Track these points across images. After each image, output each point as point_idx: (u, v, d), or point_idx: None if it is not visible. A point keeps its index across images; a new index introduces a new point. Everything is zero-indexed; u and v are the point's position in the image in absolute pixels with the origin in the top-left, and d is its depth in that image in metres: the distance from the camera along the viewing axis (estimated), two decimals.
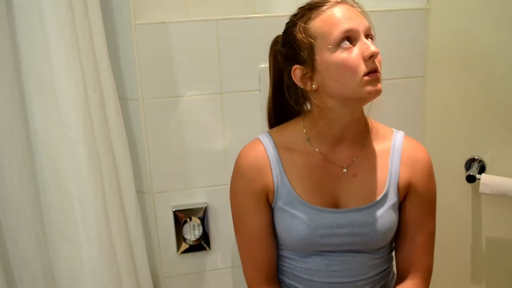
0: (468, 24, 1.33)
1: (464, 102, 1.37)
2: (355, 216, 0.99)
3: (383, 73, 0.96)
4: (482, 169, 1.37)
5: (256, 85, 1.32)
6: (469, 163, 1.39)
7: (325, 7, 0.95)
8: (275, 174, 1.02)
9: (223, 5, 1.34)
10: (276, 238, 1.07)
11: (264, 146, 1.04)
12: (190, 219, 1.36)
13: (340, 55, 0.91)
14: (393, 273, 1.13)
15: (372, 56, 0.91)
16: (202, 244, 1.38)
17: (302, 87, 0.98)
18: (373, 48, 0.91)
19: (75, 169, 1.11)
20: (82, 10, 1.08)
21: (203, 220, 1.37)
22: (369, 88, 0.92)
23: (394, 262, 1.12)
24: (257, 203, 1.03)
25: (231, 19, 1.27)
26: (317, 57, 0.93)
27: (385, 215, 1.00)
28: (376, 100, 0.97)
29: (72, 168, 1.11)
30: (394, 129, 1.09)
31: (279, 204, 1.02)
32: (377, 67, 0.93)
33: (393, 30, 1.34)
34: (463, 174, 1.39)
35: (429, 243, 1.06)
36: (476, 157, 1.38)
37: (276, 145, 1.04)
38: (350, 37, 0.92)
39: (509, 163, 1.35)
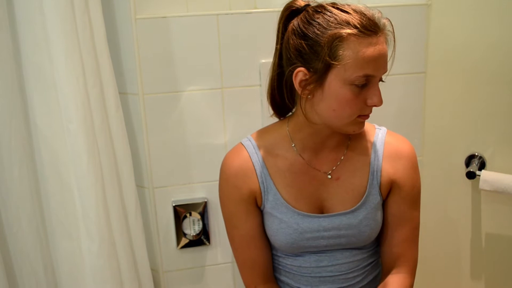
0: (469, 20, 1.33)
1: (465, 98, 1.37)
2: (340, 220, 1.00)
3: None
4: (482, 166, 1.37)
5: (257, 80, 1.31)
6: (469, 160, 1.40)
7: (368, 39, 0.87)
8: (260, 180, 1.02)
9: (224, 0, 1.33)
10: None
11: (247, 152, 1.03)
12: (190, 214, 1.36)
13: (349, 91, 0.89)
14: (380, 263, 1.13)
15: (375, 106, 0.92)
16: (202, 239, 1.39)
17: (297, 90, 0.94)
18: (379, 100, 0.91)
19: (75, 163, 1.11)
20: (83, 4, 1.08)
21: (203, 215, 1.37)
22: (355, 127, 0.95)
23: None
24: (246, 208, 1.03)
25: (232, 14, 1.26)
26: (328, 78, 0.89)
27: (369, 216, 1.01)
28: None
29: (72, 162, 1.11)
30: (376, 126, 1.07)
31: (267, 208, 1.03)
32: (371, 112, 0.95)
33: (394, 26, 1.34)
34: (463, 170, 1.39)
35: (414, 236, 1.06)
36: (476, 154, 1.38)
37: (260, 150, 1.03)
38: (367, 79, 0.89)
39: (509, 159, 1.35)
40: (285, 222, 1.00)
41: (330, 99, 0.90)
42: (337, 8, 0.90)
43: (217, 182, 1.36)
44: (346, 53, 0.86)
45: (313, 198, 1.02)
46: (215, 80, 1.30)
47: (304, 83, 0.92)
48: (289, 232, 1.00)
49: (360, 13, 0.88)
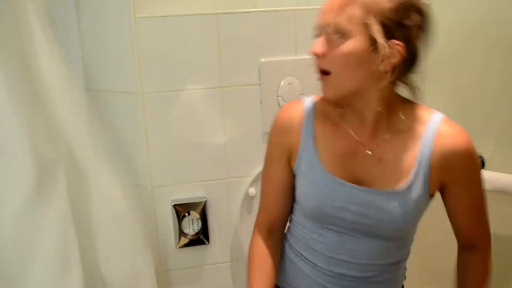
0: (468, 19, 1.33)
1: (464, 98, 1.37)
2: (373, 198, 0.95)
3: None
4: (481, 165, 1.38)
5: (256, 80, 1.32)
6: None
7: None
8: (303, 138, 1.01)
9: None
10: (293, 199, 1.08)
11: (304, 108, 1.03)
12: (189, 213, 1.36)
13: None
14: (405, 268, 1.10)
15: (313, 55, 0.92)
16: (201, 238, 1.39)
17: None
18: (313, 47, 0.91)
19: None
20: None
21: (202, 215, 1.37)
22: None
23: (408, 260, 1.09)
24: (279, 156, 1.05)
25: (232, 13, 1.26)
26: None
27: (405, 207, 0.94)
28: None
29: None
30: (434, 111, 0.99)
31: (301, 168, 1.02)
32: (319, 66, 0.93)
33: None
34: None
35: (484, 213, 1.02)
36: None
37: (316, 111, 1.03)
38: (319, 30, 0.92)
39: (508, 159, 1.35)
40: (316, 185, 0.99)
41: None
42: None
43: (216, 181, 1.37)
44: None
45: (351, 169, 0.98)
46: (214, 79, 1.30)
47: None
48: (319, 196, 0.98)
49: None
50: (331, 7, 0.89)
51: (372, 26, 0.86)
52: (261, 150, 1.35)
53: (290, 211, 1.10)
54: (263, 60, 1.30)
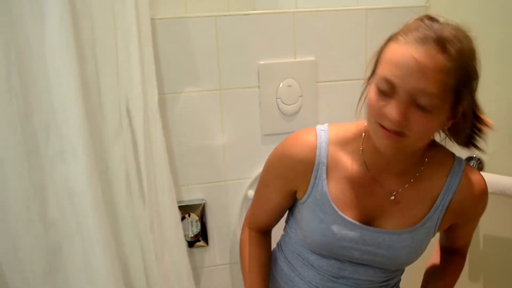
0: (467, 22, 1.33)
1: None
2: (383, 238, 0.94)
3: None
4: (480, 167, 1.38)
5: (255, 82, 1.32)
6: (467, 161, 1.39)
7: (414, 44, 0.78)
8: (314, 176, 0.95)
9: (222, 1, 1.34)
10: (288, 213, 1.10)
11: (317, 144, 0.95)
12: (189, 215, 1.36)
13: (373, 90, 0.84)
14: (399, 280, 1.10)
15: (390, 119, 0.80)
16: (200, 240, 1.39)
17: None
18: (391, 114, 0.79)
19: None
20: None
21: (202, 217, 1.37)
22: (378, 138, 0.85)
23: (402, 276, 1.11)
24: (280, 186, 1.01)
25: (231, 15, 1.26)
26: (374, 76, 0.86)
27: (414, 246, 0.95)
28: None
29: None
30: (455, 156, 0.97)
31: (310, 203, 0.97)
32: (392, 127, 0.81)
33: (392, 27, 1.34)
34: None
35: (473, 231, 1.08)
36: (474, 155, 1.38)
37: (329, 144, 0.96)
38: (391, 88, 0.80)
39: (507, 161, 1.35)
40: (326, 224, 0.94)
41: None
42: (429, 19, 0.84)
43: (215, 184, 1.37)
44: (387, 50, 0.82)
45: (364, 210, 0.95)
46: (213, 82, 1.30)
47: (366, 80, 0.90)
48: (327, 234, 0.95)
49: (435, 23, 0.82)
50: (422, 71, 0.76)
51: (465, 100, 0.82)
52: (260, 152, 1.36)
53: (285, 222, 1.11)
54: (262, 62, 1.30)
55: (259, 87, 1.32)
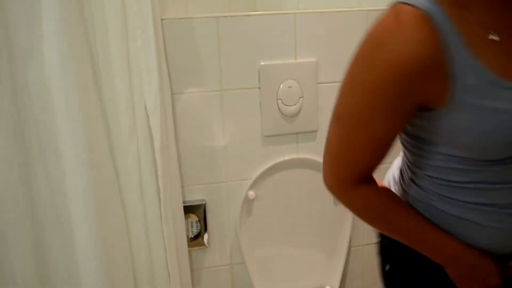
0: None
1: None
2: None
3: None
4: None
5: (256, 83, 1.32)
6: None
7: None
8: (450, 61, 0.66)
9: (223, 2, 1.34)
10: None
11: (431, 22, 0.65)
12: (189, 216, 1.36)
13: None
14: None
15: None
16: (201, 241, 1.39)
17: None
18: None
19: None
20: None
21: (202, 217, 1.37)
22: None
23: None
24: (398, 112, 0.71)
25: (232, 16, 1.27)
26: None
27: None
28: None
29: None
30: None
31: (466, 99, 0.67)
32: None
33: None
34: None
35: None
36: None
37: (439, 5, 0.66)
38: None
39: None
40: (507, 112, 0.66)
41: None
42: None
43: (215, 184, 1.37)
44: None
45: None
46: (214, 82, 1.30)
47: None
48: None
49: None
50: None
51: None
52: (261, 153, 1.36)
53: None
54: (262, 63, 1.30)
55: (259, 88, 1.32)
